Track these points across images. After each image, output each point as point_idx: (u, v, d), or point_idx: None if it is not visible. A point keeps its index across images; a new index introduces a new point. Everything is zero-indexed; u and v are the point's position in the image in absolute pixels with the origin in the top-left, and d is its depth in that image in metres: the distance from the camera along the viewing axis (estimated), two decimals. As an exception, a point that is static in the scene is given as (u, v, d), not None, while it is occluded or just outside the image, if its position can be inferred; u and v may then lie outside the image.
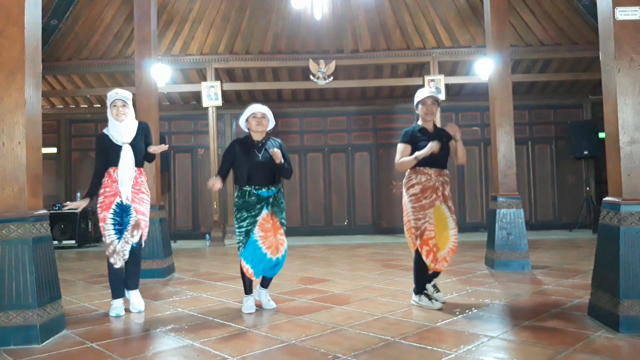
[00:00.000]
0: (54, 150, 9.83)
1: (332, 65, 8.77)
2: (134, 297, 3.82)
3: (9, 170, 3.09)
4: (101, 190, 3.73)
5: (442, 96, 8.78)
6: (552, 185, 9.79)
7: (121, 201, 3.69)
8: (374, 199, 9.89)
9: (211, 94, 8.77)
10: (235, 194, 3.76)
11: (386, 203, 9.85)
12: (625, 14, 3.08)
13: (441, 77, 8.86)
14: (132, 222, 3.71)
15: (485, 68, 7.87)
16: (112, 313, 3.70)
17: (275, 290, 4.43)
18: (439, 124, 8.70)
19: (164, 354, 2.82)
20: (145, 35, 5.69)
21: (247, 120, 3.77)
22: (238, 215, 3.66)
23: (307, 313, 3.63)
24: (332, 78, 8.77)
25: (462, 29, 8.80)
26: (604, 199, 3.30)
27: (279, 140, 3.88)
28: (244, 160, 3.65)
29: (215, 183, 3.64)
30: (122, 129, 3.73)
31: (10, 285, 3.01)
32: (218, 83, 8.80)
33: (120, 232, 3.70)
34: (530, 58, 9.08)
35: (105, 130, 3.81)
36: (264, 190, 3.65)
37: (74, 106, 10.11)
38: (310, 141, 9.97)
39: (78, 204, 3.76)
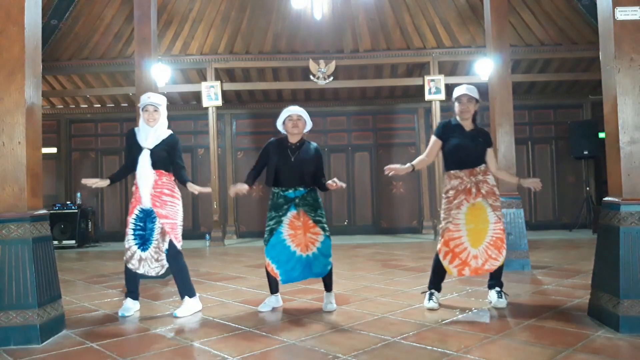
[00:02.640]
0: (54, 150, 9.83)
1: (332, 65, 8.77)
2: (184, 303, 3.71)
3: (9, 170, 3.09)
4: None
5: (442, 96, 8.78)
6: (552, 185, 9.78)
7: (143, 207, 3.64)
8: (374, 199, 9.89)
9: (211, 94, 8.77)
10: (270, 195, 3.77)
11: (386, 203, 9.85)
12: (625, 14, 3.08)
13: (441, 77, 8.86)
14: (157, 228, 3.63)
15: (485, 68, 7.87)
16: (119, 312, 3.69)
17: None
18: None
19: (164, 354, 2.81)
20: (145, 35, 5.69)
21: (283, 122, 3.74)
22: (268, 215, 3.70)
23: (307, 313, 3.64)
24: (332, 78, 8.77)
25: (462, 29, 8.80)
26: (604, 199, 3.30)
27: (315, 144, 3.83)
28: (276, 161, 3.66)
29: (239, 189, 3.62)
30: (150, 134, 3.68)
31: (10, 285, 3.01)
32: (218, 83, 8.80)
33: (141, 238, 3.63)
34: (530, 58, 9.08)
35: (135, 128, 3.79)
36: (290, 191, 3.66)
37: (74, 106, 10.11)
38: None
39: (95, 181, 3.72)
